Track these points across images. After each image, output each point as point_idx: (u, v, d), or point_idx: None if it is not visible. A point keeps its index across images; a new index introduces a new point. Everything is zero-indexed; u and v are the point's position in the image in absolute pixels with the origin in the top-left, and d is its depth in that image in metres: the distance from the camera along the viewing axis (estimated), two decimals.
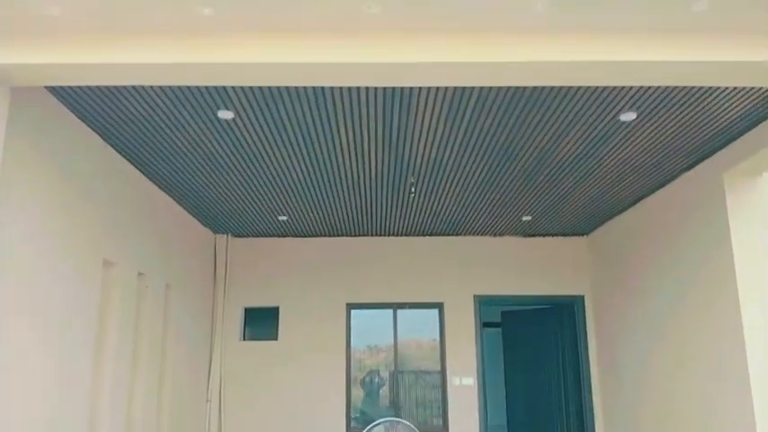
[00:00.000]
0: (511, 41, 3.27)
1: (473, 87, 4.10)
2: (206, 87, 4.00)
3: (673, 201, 6.01)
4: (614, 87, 4.10)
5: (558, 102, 4.27)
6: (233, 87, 4.02)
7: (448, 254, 8.39)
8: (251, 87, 4.02)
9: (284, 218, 7.33)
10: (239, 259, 8.28)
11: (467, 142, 5.04)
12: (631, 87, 4.10)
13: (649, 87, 4.10)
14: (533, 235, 8.38)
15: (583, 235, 8.39)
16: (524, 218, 7.42)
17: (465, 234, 8.33)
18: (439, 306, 8.30)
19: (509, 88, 4.09)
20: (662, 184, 6.12)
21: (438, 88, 4.11)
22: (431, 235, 8.37)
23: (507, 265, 8.36)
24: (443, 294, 8.30)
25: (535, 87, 4.09)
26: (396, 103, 4.28)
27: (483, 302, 8.33)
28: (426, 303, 8.31)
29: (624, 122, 4.62)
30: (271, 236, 8.31)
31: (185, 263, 6.96)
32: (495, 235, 8.37)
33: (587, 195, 6.48)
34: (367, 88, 4.10)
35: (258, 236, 8.31)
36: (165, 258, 6.31)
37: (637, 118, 4.54)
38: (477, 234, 8.33)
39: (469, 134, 4.86)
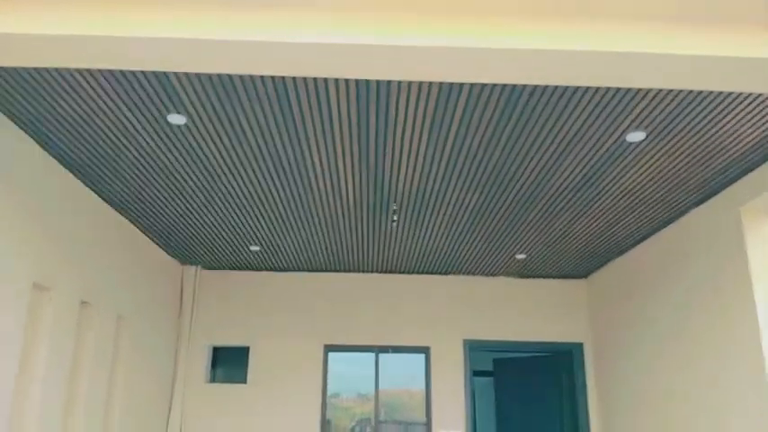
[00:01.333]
0: (492, 24, 2.74)
1: (457, 100, 3.58)
2: (149, 84, 3.46)
3: (681, 240, 5.42)
4: (620, 102, 3.57)
5: (557, 117, 3.74)
6: (182, 85, 3.48)
7: (436, 294, 7.75)
8: (203, 85, 3.48)
9: (256, 248, 6.72)
10: (209, 294, 7.64)
11: (452, 166, 4.49)
12: (639, 102, 3.57)
13: (659, 103, 3.57)
14: (528, 276, 7.76)
15: (582, 277, 7.78)
16: (518, 256, 6.82)
17: (455, 273, 7.71)
18: (425, 351, 7.62)
19: (498, 102, 3.56)
20: (669, 221, 5.55)
21: (419, 100, 3.58)
22: (417, 273, 7.75)
23: (500, 308, 7.71)
24: (430, 338, 7.62)
25: (528, 100, 3.56)
26: (372, 117, 3.74)
27: (473, 348, 7.65)
28: (412, 347, 7.63)
29: (631, 144, 4.07)
30: (244, 269, 7.69)
31: (144, 294, 6.32)
32: (487, 275, 7.75)
33: (587, 232, 5.90)
34: (339, 100, 3.57)
35: (230, 269, 7.69)
36: (118, 288, 5.68)
37: (645, 139, 4.00)
38: (468, 273, 7.71)
39: (455, 157, 4.31)
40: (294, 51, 2.79)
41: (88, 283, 5.08)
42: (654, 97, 3.52)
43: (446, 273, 7.71)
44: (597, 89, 3.46)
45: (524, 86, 3.44)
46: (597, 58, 2.78)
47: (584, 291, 7.79)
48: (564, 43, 2.73)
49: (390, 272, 7.73)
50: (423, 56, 2.80)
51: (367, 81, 3.40)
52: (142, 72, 3.35)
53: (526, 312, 7.70)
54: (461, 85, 3.43)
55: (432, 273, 7.73)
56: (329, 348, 7.57)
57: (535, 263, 7.11)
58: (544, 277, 7.79)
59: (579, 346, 7.63)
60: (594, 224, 5.68)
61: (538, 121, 3.82)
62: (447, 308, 7.71)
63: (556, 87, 3.44)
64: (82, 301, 5.05)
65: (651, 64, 2.80)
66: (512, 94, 3.51)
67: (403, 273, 7.75)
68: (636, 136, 3.96)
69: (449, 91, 3.50)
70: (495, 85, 3.43)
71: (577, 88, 3.44)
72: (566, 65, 2.83)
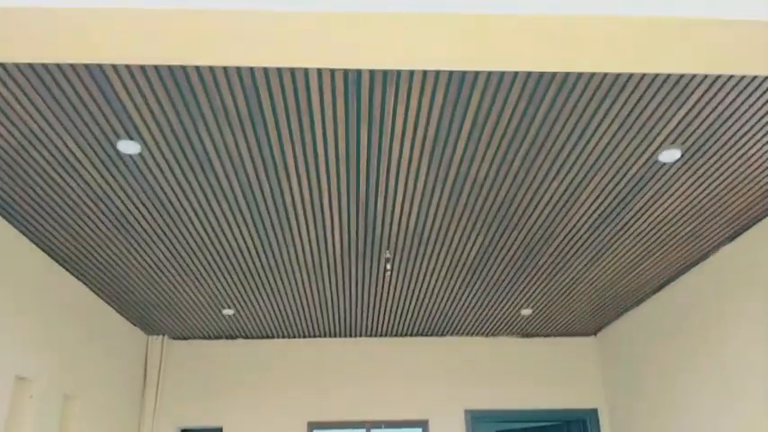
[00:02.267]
0: None
1: (463, 119, 3.01)
2: (95, 103, 2.83)
3: (710, 283, 4.80)
4: (653, 113, 3.03)
5: (578, 136, 3.17)
6: (133, 103, 2.85)
7: (432, 359, 6.97)
8: (160, 103, 2.85)
9: (230, 311, 5.95)
10: (176, 367, 6.76)
11: (455, 201, 3.87)
12: (676, 112, 3.03)
13: (695, 117, 3.05)
14: (533, 335, 7.04)
15: (592, 334, 7.08)
16: (524, 311, 6.14)
17: (452, 334, 6.96)
18: (423, 425, 6.75)
19: (510, 121, 2.99)
20: (695, 263, 4.95)
21: (418, 117, 2.99)
22: (411, 335, 6.99)
23: (504, 372, 6.94)
24: (428, 410, 6.77)
25: (546, 117, 2.99)
26: (363, 138, 3.14)
27: (477, 419, 6.81)
28: (408, 421, 6.76)
29: (664, 164, 3.51)
30: (216, 337, 6.86)
31: (100, 370, 5.47)
32: (488, 335, 7.01)
33: (602, 279, 5.26)
34: (324, 118, 2.97)
35: (201, 337, 6.86)
36: (66, 362, 4.85)
37: (681, 158, 3.44)
38: (467, 334, 6.97)
39: (458, 189, 3.70)
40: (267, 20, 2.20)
41: (25, 355, 4.26)
42: (693, 106, 2.98)
43: (443, 334, 6.96)
44: (626, 100, 2.92)
45: (542, 100, 2.89)
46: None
47: (596, 349, 7.07)
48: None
49: (381, 335, 6.96)
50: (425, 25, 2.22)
51: (358, 93, 2.82)
52: (85, 87, 2.73)
53: (532, 376, 6.93)
54: (468, 100, 2.86)
55: (427, 335, 6.98)
56: (314, 426, 6.67)
57: (541, 319, 6.42)
58: (550, 336, 7.08)
59: (593, 412, 6.83)
60: (611, 269, 5.05)
61: (556, 143, 3.25)
62: (445, 375, 6.91)
63: (578, 99, 2.89)
64: (17, 376, 4.22)
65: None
66: (527, 110, 2.95)
67: (396, 336, 6.99)
68: (670, 155, 3.40)
69: (453, 107, 2.92)
70: (506, 101, 2.87)
71: (604, 98, 2.89)
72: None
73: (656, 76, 2.77)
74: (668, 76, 2.76)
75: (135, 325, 6.30)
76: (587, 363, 7.01)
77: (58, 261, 4.66)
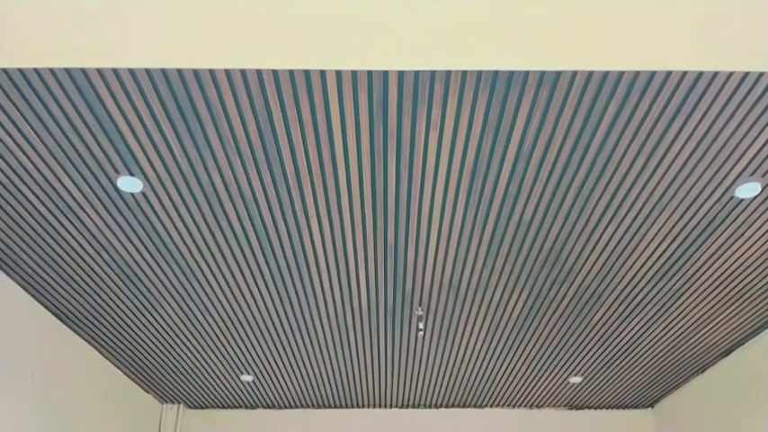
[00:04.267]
0: None
1: (506, 149, 2.63)
2: (94, 138, 2.51)
3: None
4: (726, 143, 2.59)
5: (642, 165, 2.72)
6: (135, 136, 2.52)
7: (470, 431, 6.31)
8: (161, 132, 2.52)
9: (249, 378, 5.46)
10: None
11: (496, 248, 3.42)
12: (753, 143, 2.59)
13: None
14: (583, 407, 6.35)
15: (648, 407, 6.35)
16: (573, 379, 5.51)
17: (492, 405, 6.32)
18: None
19: (563, 145, 2.57)
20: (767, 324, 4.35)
21: (453, 146, 2.60)
22: (446, 407, 6.36)
23: None
24: None
25: (602, 147, 2.58)
26: (390, 172, 2.75)
27: None
28: None
29: (742, 201, 3.02)
30: (235, 407, 6.34)
31: None
32: (532, 407, 6.34)
33: (664, 340, 4.66)
34: (346, 147, 2.61)
35: (219, 407, 6.34)
36: (67, 431, 4.39)
37: (762, 192, 2.96)
38: (509, 406, 6.31)
39: (500, 234, 3.26)
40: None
41: (19, 423, 3.83)
42: None
43: (482, 406, 6.32)
44: (701, 119, 2.49)
45: (600, 118, 2.48)
46: None
47: (652, 423, 6.32)
48: None
49: (413, 406, 6.36)
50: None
51: (384, 116, 2.45)
52: (79, 114, 2.41)
53: None
54: (514, 119, 2.46)
55: (464, 406, 6.34)
56: None
57: (592, 388, 5.77)
58: (602, 408, 6.38)
59: None
60: (674, 329, 4.46)
61: (615, 174, 2.81)
62: None
63: (645, 117, 2.47)
64: None
65: None
66: (583, 130, 2.53)
67: (429, 407, 6.37)
68: (749, 189, 2.92)
69: (496, 130, 2.53)
70: (559, 118, 2.46)
71: (674, 116, 2.46)
72: None
73: (734, 93, 2.34)
74: (750, 90, 2.33)
75: (148, 392, 5.84)
76: None
77: (61, 319, 4.29)
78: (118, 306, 4.09)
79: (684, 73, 2.26)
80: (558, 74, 2.23)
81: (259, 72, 2.22)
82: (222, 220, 3.17)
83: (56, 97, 2.34)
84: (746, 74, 2.24)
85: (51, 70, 2.20)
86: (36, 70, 2.20)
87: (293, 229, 3.25)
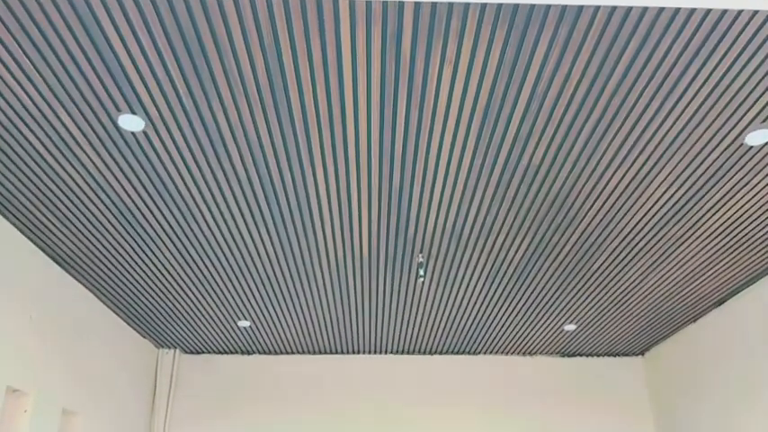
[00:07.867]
0: None
1: (521, 86, 2.55)
2: (95, 74, 2.42)
3: None
4: (739, 90, 2.54)
5: (657, 108, 2.67)
6: (136, 68, 2.43)
7: (464, 380, 6.41)
8: (165, 69, 2.42)
9: (246, 323, 5.48)
10: (189, 383, 6.29)
11: (501, 195, 3.39)
12: (765, 91, 2.55)
13: None
14: (573, 354, 6.47)
15: (640, 354, 6.48)
16: (567, 326, 5.59)
17: (487, 352, 6.42)
18: None
19: (579, 84, 2.50)
20: (766, 271, 4.39)
21: (467, 86, 2.53)
22: (441, 353, 6.46)
23: (542, 395, 6.36)
24: None
25: (613, 95, 2.52)
26: (400, 114, 2.68)
27: None
28: None
29: (752, 148, 2.99)
30: (231, 352, 6.39)
31: (105, 384, 5.02)
32: (526, 353, 6.45)
33: (660, 289, 4.71)
34: (356, 83, 2.52)
35: (215, 352, 6.39)
36: (67, 375, 4.41)
37: None
38: (503, 353, 6.42)
39: (506, 180, 3.22)
40: None
41: (19, 367, 3.83)
42: None
43: (476, 352, 6.42)
44: (712, 73, 2.44)
45: (615, 66, 2.41)
46: None
47: (642, 371, 6.47)
48: None
49: (409, 353, 6.44)
50: None
51: (398, 50, 2.36)
52: (83, 53, 2.31)
53: (573, 400, 6.34)
54: (531, 55, 2.39)
55: (459, 353, 6.44)
56: None
57: (585, 336, 5.86)
58: (593, 355, 6.50)
59: None
60: (671, 278, 4.50)
61: (629, 118, 2.76)
62: (478, 397, 6.34)
63: (657, 68, 2.41)
64: (10, 388, 3.78)
65: None
66: (600, 69, 2.47)
67: (425, 354, 6.46)
68: (760, 136, 2.89)
69: (509, 75, 2.46)
70: (579, 54, 2.39)
71: (693, 57, 2.40)
72: None
73: (756, 34, 2.28)
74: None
75: (145, 337, 5.86)
76: (633, 386, 6.40)
77: (58, 263, 4.25)
78: (116, 249, 4.04)
79: (708, 11, 2.19)
80: (580, 8, 2.16)
81: (269, 1, 2.12)
82: (225, 163, 3.11)
83: (56, 27, 2.23)
84: None
85: None
86: None
87: (297, 174, 3.19)
